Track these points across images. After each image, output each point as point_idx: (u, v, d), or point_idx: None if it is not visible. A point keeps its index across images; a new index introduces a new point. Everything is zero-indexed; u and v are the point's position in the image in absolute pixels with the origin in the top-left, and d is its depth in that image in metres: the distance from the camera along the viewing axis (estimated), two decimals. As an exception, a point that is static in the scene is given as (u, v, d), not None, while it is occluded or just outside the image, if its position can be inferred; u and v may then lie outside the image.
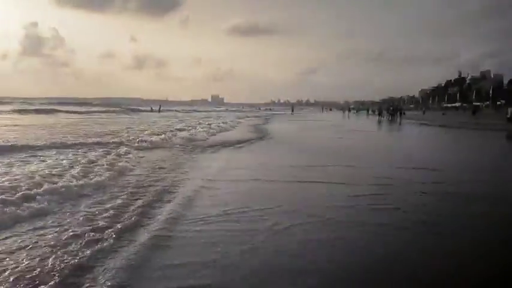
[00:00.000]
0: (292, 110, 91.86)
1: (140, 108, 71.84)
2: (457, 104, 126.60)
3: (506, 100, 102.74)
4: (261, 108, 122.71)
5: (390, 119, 44.85)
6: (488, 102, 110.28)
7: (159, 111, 62.71)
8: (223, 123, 29.91)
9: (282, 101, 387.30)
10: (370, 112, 75.16)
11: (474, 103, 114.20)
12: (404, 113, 48.31)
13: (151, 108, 66.08)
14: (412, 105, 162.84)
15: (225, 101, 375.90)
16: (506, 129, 23.86)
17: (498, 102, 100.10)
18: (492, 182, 8.27)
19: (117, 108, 63.14)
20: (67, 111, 44.99)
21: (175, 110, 71.51)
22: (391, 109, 49.20)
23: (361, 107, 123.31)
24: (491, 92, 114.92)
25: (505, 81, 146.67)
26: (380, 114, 48.55)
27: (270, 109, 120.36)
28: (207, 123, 28.58)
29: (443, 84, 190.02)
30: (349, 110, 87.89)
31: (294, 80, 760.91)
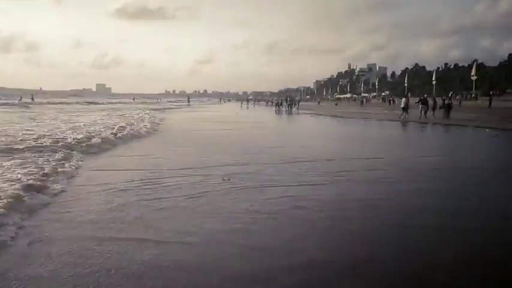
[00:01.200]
0: (189, 101, 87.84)
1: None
2: (348, 95, 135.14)
3: (389, 91, 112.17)
4: (159, 100, 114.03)
5: (287, 110, 44.82)
6: (375, 93, 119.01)
7: (32, 101, 54.87)
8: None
9: (177, 91, 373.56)
10: (268, 103, 75.34)
11: (362, 94, 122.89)
12: (296, 104, 51.25)
13: (21, 98, 56.98)
14: (308, 96, 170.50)
15: (112, 91, 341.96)
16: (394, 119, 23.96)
17: (383, 93, 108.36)
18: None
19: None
20: None
21: (60, 103, 55.51)
22: (289, 100, 49.80)
23: (259, 97, 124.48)
24: (377, 83, 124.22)
25: (388, 74, 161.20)
26: (278, 105, 48.35)
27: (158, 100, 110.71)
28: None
29: (335, 76, 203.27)
30: (248, 101, 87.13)
31: (190, 70, 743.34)
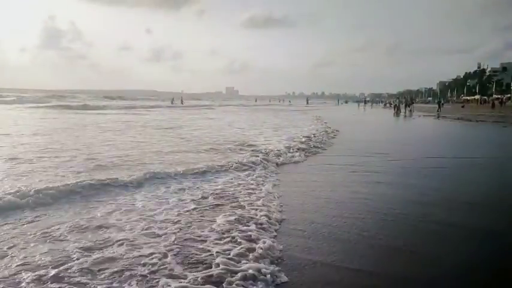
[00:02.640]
0: (307, 102, 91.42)
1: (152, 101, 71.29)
2: (477, 97, 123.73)
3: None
4: (281, 101, 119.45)
5: (404, 111, 43.20)
6: (509, 95, 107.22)
7: (181, 102, 64.45)
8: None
9: (296, 93, 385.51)
10: (387, 105, 74.42)
11: (494, 95, 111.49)
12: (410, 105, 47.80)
13: (172, 101, 66.66)
14: (430, 98, 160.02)
15: (239, 93, 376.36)
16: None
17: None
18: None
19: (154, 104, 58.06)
20: (103, 107, 39.99)
21: (209, 106, 59.35)
22: (404, 101, 48.69)
23: (377, 99, 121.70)
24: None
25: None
26: (396, 107, 46.41)
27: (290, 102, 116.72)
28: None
29: (462, 76, 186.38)
30: (365, 103, 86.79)
31: (308, 73, 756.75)
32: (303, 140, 13.45)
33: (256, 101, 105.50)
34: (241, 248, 3.87)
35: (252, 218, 4.82)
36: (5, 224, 4.43)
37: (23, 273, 3.27)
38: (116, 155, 9.25)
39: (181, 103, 64.52)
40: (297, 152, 10.76)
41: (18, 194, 5.27)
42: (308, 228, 4.62)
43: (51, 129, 15.88)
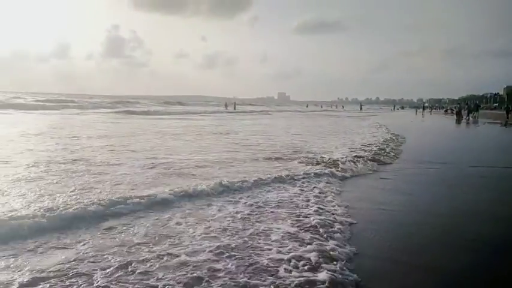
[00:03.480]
0: (361, 108, 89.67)
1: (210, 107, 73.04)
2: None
3: None
4: (334, 107, 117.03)
5: (467, 118, 40.63)
6: None
7: (234, 108, 65.25)
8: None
9: (349, 99, 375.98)
10: (448, 111, 71.09)
11: None
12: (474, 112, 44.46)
13: (226, 106, 67.94)
14: (496, 104, 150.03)
15: (291, 98, 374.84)
16: None
17: None
18: None
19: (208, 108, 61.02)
20: (164, 112, 42.38)
21: (267, 111, 59.24)
22: (467, 107, 46.23)
23: (436, 105, 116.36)
24: None
25: None
26: (458, 113, 43.87)
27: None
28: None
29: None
30: (424, 108, 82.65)
31: (361, 78, 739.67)
32: (372, 148, 13.04)
33: (307, 106, 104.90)
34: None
35: (327, 224, 4.95)
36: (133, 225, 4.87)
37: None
38: (186, 160, 9.61)
39: (234, 108, 64.86)
40: (367, 161, 10.20)
41: (120, 199, 5.63)
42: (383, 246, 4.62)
43: (128, 133, 17.26)
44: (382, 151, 12.46)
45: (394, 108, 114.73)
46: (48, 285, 3.30)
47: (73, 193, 6.12)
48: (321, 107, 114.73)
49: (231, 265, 3.76)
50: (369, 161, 10.31)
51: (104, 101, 62.11)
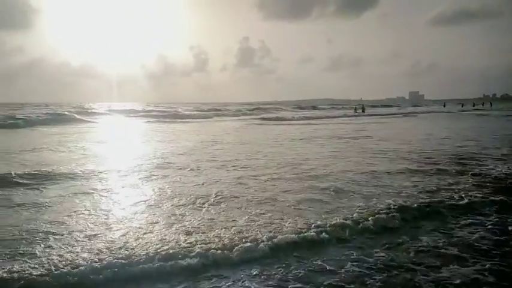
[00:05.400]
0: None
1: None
2: None
3: None
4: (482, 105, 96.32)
5: None
6: None
7: (363, 111, 62.97)
8: None
9: (497, 95, 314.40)
10: None
11: None
12: None
13: (355, 109, 66.55)
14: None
15: (425, 97, 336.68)
16: None
17: None
18: None
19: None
20: (298, 118, 42.78)
21: (407, 113, 53.36)
22: None
23: None
24: None
25: None
26: None
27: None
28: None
29: None
30: None
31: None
32: None
33: (444, 106, 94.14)
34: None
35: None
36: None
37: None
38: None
39: (363, 111, 59.88)
40: None
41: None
42: None
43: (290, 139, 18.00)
44: None
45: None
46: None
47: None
48: (462, 106, 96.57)
49: None
50: None
51: (242, 108, 67.13)
